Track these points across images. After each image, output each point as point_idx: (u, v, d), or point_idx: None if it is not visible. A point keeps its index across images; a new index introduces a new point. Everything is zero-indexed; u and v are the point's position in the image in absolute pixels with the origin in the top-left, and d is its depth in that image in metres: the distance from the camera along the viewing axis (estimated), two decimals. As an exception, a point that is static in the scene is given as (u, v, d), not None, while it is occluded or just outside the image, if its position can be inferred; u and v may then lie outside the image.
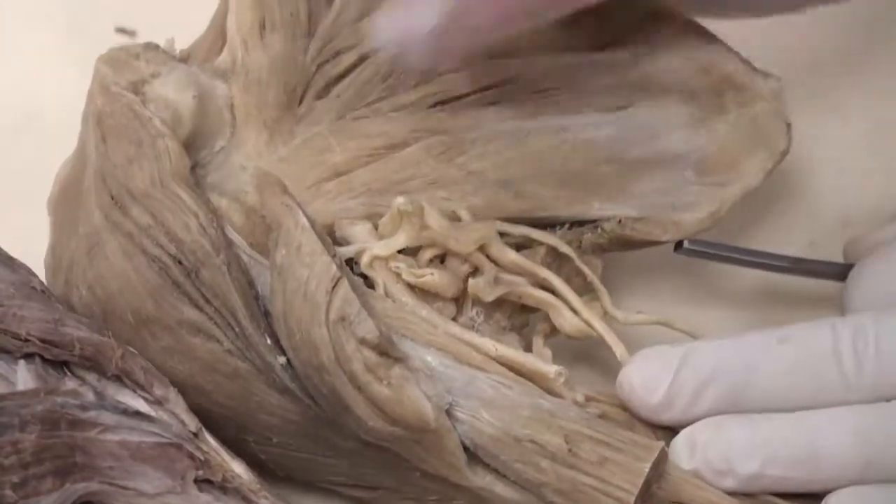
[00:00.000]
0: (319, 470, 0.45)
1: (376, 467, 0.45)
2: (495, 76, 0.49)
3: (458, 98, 0.49)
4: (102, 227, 0.45)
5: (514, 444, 0.42)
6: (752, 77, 0.50)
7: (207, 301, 0.44)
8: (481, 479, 0.42)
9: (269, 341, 0.44)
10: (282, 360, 0.43)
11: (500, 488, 0.42)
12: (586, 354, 0.50)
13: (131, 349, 0.44)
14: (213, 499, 0.43)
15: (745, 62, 0.50)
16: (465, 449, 0.42)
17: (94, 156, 0.47)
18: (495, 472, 0.42)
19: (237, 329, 0.44)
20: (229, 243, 0.44)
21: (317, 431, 0.44)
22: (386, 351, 0.42)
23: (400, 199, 0.46)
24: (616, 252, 0.49)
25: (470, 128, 0.48)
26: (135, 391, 0.43)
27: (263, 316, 0.44)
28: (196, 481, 0.42)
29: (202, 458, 0.43)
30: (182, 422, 0.43)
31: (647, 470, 0.42)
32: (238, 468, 0.43)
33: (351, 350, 0.42)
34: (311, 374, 0.43)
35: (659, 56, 0.50)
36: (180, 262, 0.44)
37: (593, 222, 0.47)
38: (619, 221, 0.47)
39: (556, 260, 0.47)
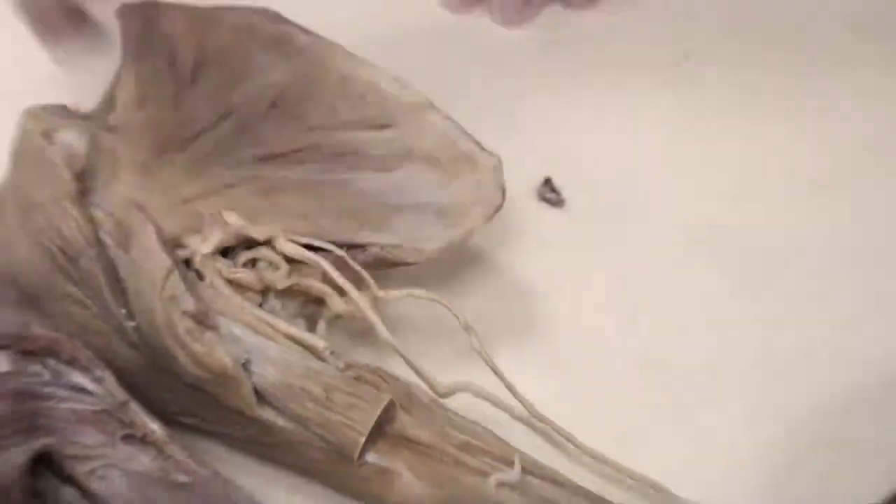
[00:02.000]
0: (161, 403, 0.48)
1: (198, 403, 0.49)
2: (304, 142, 0.55)
3: (277, 156, 0.55)
4: (15, 227, 0.50)
5: (288, 390, 0.48)
6: (480, 154, 0.54)
7: (83, 280, 0.49)
8: (266, 414, 0.48)
9: (123, 311, 0.49)
10: (132, 323, 0.48)
11: (280, 421, 0.48)
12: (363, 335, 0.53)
13: (78, 343, 0.47)
14: (135, 450, 0.46)
15: (477, 143, 0.55)
16: (256, 393, 0.48)
17: (10, 180, 0.52)
18: (276, 409, 0.48)
19: (101, 301, 0.49)
20: (100, 241, 0.49)
21: (156, 376, 0.49)
22: (202, 321, 0.47)
23: (211, 212, 0.52)
24: (382, 272, 0.53)
25: (282, 177, 0.54)
26: (82, 372, 0.47)
27: (121, 293, 0.49)
28: (123, 438, 0.46)
29: (128, 420, 0.46)
30: (113, 395, 0.46)
31: (377, 414, 0.47)
32: (154, 426, 0.46)
33: (177, 318, 0.47)
34: (151, 334, 0.48)
35: (419, 135, 0.55)
36: (65, 253, 0.49)
37: (363, 246, 0.53)
38: (381, 247, 0.53)
39: (341, 268, 0.51)
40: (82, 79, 0.57)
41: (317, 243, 0.52)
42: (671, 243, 0.60)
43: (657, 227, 0.60)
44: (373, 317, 0.50)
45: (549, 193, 0.60)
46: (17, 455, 0.45)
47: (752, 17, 0.71)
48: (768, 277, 0.59)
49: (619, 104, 0.66)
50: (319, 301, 0.51)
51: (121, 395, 0.47)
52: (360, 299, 0.50)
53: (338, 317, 0.51)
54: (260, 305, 0.51)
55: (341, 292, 0.51)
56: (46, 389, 0.47)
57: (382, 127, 0.55)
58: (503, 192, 0.54)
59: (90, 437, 0.46)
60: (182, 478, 0.46)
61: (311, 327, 0.51)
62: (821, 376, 0.55)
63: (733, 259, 0.59)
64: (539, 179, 0.61)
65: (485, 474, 0.47)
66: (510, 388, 0.49)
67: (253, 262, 0.51)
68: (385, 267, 0.53)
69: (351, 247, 0.52)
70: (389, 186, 0.54)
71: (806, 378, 0.55)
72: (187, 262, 0.50)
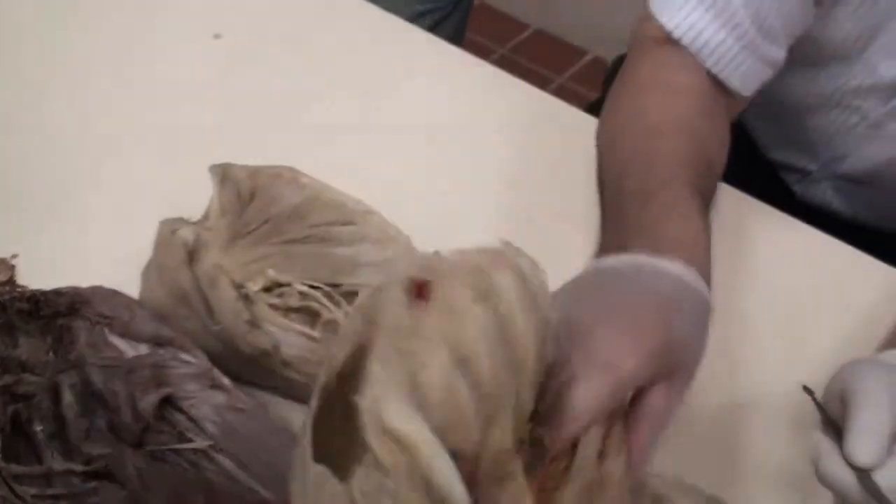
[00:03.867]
0: (230, 369, 0.47)
1: (251, 369, 0.49)
2: (308, 233, 0.55)
3: (294, 241, 0.53)
4: (155, 280, 0.50)
5: (300, 359, 0.49)
6: (399, 234, 0.53)
7: (190, 306, 0.49)
8: (288, 373, 0.49)
9: (211, 321, 0.49)
10: (216, 327, 0.48)
11: (295, 376, 0.49)
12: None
13: (187, 338, 0.46)
14: (215, 392, 0.46)
15: (397, 229, 0.54)
16: (283, 362, 0.49)
17: (154, 256, 0.51)
18: (293, 369, 0.49)
19: (200, 317, 0.49)
20: (199, 287, 0.48)
21: (229, 354, 0.48)
22: (253, 324, 0.49)
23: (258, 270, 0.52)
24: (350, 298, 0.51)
25: (297, 251, 0.54)
26: (187, 353, 0.47)
27: (210, 312, 0.48)
28: (210, 386, 0.46)
29: (212, 377, 0.46)
30: (205, 364, 0.47)
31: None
32: (226, 380, 0.47)
33: (240, 323, 0.48)
34: (226, 332, 0.48)
35: (367, 228, 0.54)
36: (181, 292, 0.49)
37: (340, 285, 0.53)
38: (350, 285, 0.52)
39: (328, 296, 0.51)
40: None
41: (316, 284, 0.52)
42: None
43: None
44: (343, 321, 0.50)
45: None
46: (154, 397, 0.46)
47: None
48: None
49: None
50: (317, 314, 0.52)
51: (208, 364, 0.47)
52: (336, 312, 0.51)
53: (327, 322, 0.51)
54: (285, 317, 0.51)
55: (328, 309, 0.51)
56: (169, 362, 0.47)
57: (348, 224, 0.55)
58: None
59: (191, 386, 0.46)
60: (240, 405, 0.46)
61: (313, 327, 0.51)
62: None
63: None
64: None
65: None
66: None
67: (280, 295, 0.52)
68: (352, 296, 0.52)
69: (333, 286, 0.53)
70: (354, 254, 0.54)
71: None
72: (246, 296, 0.50)
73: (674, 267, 0.40)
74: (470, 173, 0.64)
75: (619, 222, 0.45)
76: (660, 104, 0.51)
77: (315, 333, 0.50)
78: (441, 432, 0.31)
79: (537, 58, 1.70)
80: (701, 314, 0.40)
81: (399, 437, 0.31)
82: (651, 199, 0.44)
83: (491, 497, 0.33)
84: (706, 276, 0.42)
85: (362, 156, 0.62)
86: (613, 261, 0.41)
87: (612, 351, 0.36)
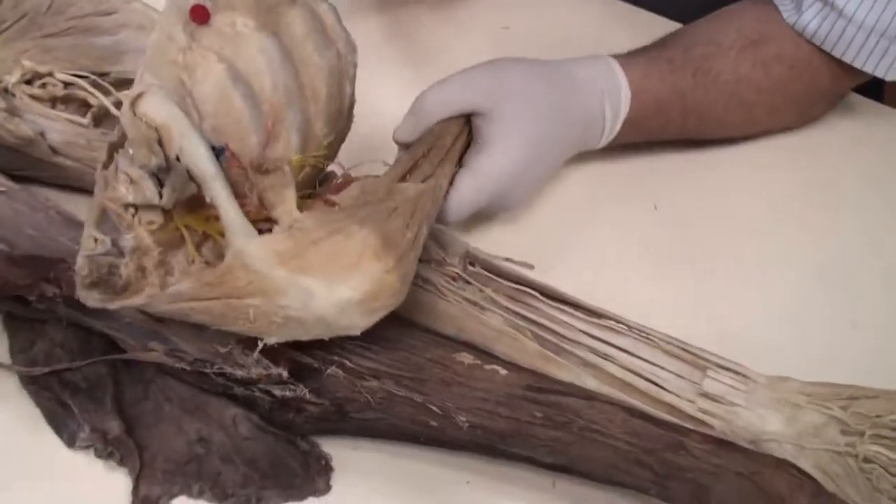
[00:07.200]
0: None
1: (19, 159, 0.49)
2: (68, 26, 0.53)
3: (53, 34, 0.53)
4: None
5: (68, 145, 0.48)
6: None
7: None
8: (58, 159, 0.48)
9: None
10: None
11: (67, 162, 0.48)
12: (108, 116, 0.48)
13: None
14: None
15: (155, 10, 0.52)
16: (52, 149, 0.48)
17: None
18: (63, 155, 0.49)
19: None
20: None
21: None
22: (12, 112, 0.48)
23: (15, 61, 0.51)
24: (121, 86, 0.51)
25: (58, 43, 0.52)
26: None
27: None
28: None
29: None
30: None
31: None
32: None
33: None
34: None
35: (130, 15, 0.53)
36: None
37: (108, 73, 0.52)
38: (117, 73, 0.52)
39: (97, 86, 0.51)
40: None
41: (81, 73, 0.51)
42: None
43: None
44: (109, 106, 0.50)
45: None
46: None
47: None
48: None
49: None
50: (87, 103, 0.51)
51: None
52: (104, 99, 0.51)
53: (98, 109, 0.51)
54: (52, 107, 0.51)
55: (94, 96, 0.51)
56: None
57: (109, 13, 0.54)
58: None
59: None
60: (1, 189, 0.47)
61: (84, 116, 0.51)
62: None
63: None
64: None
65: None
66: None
67: (44, 86, 0.51)
68: (122, 83, 0.52)
69: (101, 74, 0.52)
70: (116, 42, 0.53)
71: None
72: (6, 90, 0.50)
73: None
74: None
75: None
76: None
77: (84, 120, 0.50)
78: (215, 132, 0.33)
79: None
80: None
81: (152, 123, 0.32)
82: None
83: (258, 184, 0.34)
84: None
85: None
86: None
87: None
